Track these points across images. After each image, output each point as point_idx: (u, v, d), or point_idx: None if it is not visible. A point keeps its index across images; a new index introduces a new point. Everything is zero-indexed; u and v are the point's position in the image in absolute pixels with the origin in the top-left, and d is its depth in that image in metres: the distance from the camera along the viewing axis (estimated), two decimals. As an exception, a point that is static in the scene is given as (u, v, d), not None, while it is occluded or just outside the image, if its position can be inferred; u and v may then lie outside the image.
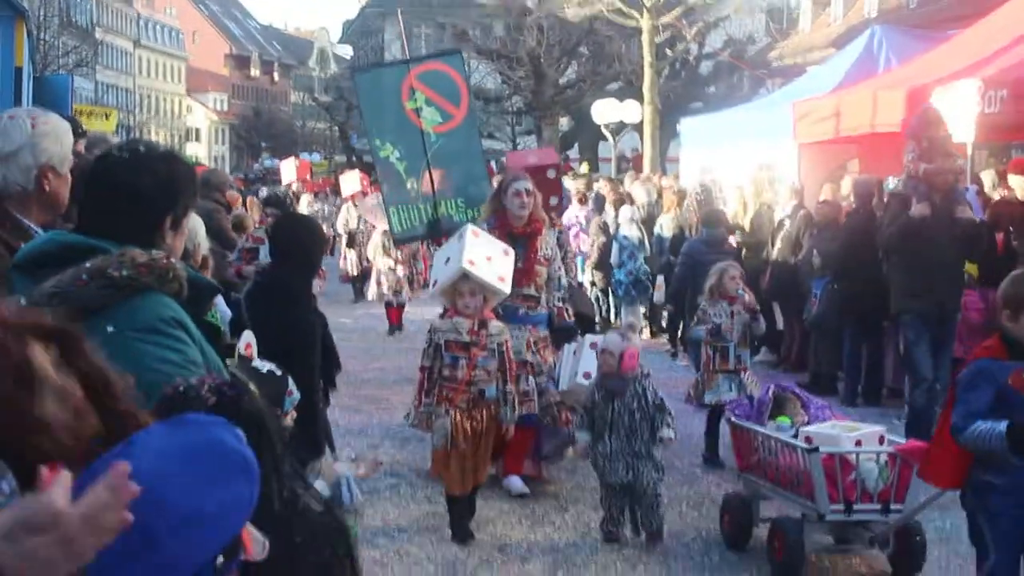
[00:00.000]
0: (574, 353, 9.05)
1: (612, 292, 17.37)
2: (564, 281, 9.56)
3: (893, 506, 7.03)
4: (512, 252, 8.44)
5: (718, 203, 15.77)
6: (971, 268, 11.08)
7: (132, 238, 3.12)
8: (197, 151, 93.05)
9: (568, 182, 19.16)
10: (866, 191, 12.99)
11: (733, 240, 15.04)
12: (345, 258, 22.70)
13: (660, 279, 16.14)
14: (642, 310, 17.31)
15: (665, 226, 16.94)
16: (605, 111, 32.56)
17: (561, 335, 9.36)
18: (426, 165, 10.86)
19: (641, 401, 7.79)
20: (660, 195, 18.60)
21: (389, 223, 11.80)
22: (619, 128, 33.61)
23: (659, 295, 16.38)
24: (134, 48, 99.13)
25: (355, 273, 22.35)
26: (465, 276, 7.81)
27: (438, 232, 11.22)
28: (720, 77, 43.73)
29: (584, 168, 32.01)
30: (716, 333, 9.76)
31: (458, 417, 7.82)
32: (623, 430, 7.77)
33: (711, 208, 14.58)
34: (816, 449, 7.02)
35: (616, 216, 17.18)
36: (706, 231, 13.70)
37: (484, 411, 7.89)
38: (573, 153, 44.53)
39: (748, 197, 16.13)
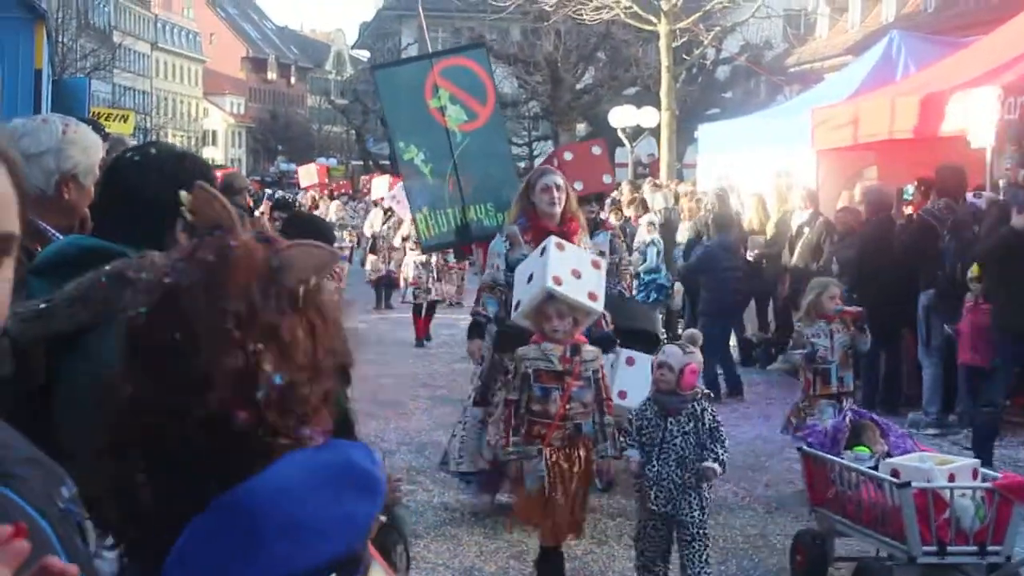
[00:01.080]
0: (611, 366, 8.25)
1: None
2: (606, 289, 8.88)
3: (990, 547, 6.45)
4: (604, 263, 7.75)
5: (734, 209, 15.74)
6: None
7: (143, 241, 3.10)
8: (214, 154, 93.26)
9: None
10: (878, 199, 12.98)
11: (751, 251, 15.06)
12: (370, 262, 22.74)
13: (678, 286, 16.16)
14: (660, 317, 17.29)
15: (683, 233, 16.96)
16: (622, 116, 32.56)
17: (599, 344, 8.53)
18: (453, 167, 10.30)
19: (697, 424, 6.75)
20: (677, 200, 18.60)
21: (416, 230, 11.28)
22: (636, 133, 33.58)
23: (677, 301, 16.39)
24: (151, 51, 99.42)
25: (376, 278, 22.33)
26: (551, 297, 7.01)
27: (468, 238, 10.97)
28: (737, 82, 43.68)
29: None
30: (812, 358, 9.11)
31: (553, 457, 7.00)
32: (673, 454, 6.68)
33: (723, 212, 14.54)
34: (908, 484, 6.44)
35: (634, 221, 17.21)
36: (720, 236, 13.71)
37: (581, 449, 7.06)
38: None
39: (769, 204, 16.10)
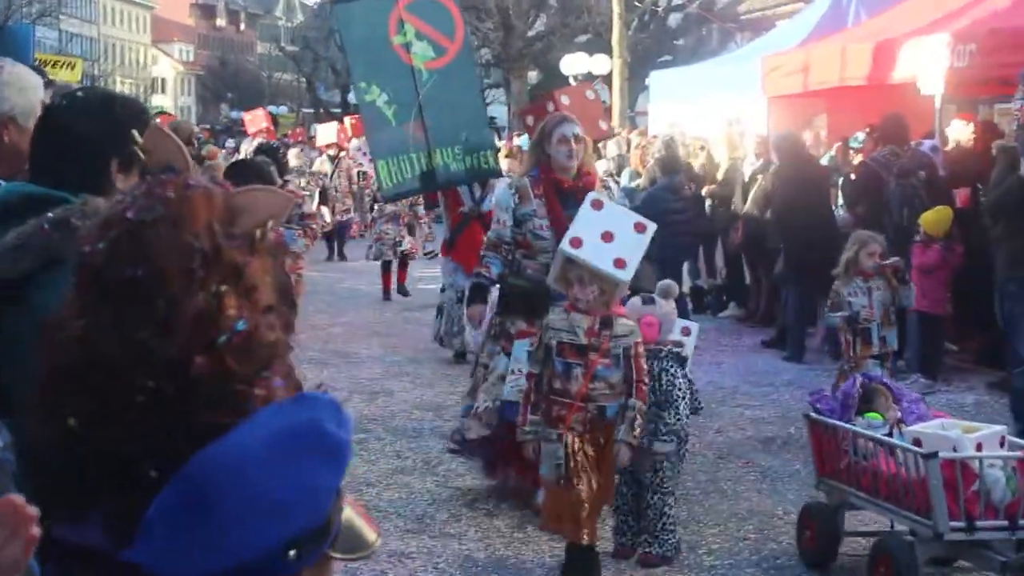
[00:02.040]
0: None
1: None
2: None
3: (1022, 522, 5.92)
4: (651, 227, 6.59)
5: (683, 155, 15.73)
6: (929, 223, 11.06)
7: (81, 185, 3.09)
8: (163, 102, 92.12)
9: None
10: (786, 145, 13.02)
11: (704, 192, 15.08)
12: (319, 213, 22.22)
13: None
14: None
15: (630, 178, 16.93)
16: (574, 64, 32.47)
17: None
18: (418, 109, 9.69)
19: (655, 384, 6.60)
20: (630, 147, 18.61)
21: (377, 177, 10.54)
22: (588, 81, 33.50)
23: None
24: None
25: (329, 229, 21.76)
26: (570, 261, 6.31)
27: (433, 185, 10.49)
28: (689, 30, 43.68)
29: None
30: (854, 320, 8.60)
31: (573, 442, 6.25)
32: None
33: (668, 155, 14.51)
34: (935, 455, 5.86)
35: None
36: (666, 178, 13.73)
37: (605, 434, 6.30)
38: (541, 105, 44.25)
39: (720, 152, 16.12)
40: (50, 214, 2.98)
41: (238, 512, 1.57)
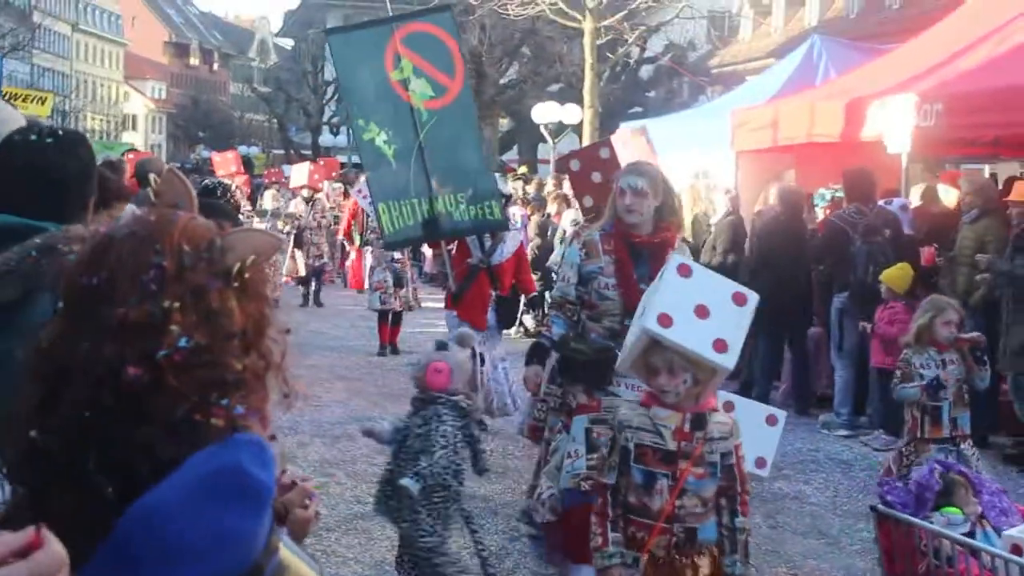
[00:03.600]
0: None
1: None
2: None
3: None
4: (753, 298, 5.26)
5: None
6: (891, 280, 11.16)
7: (44, 218, 3.13)
8: (134, 139, 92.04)
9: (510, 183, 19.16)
10: (792, 198, 13.12)
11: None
12: (293, 258, 21.51)
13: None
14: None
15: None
16: (545, 112, 32.63)
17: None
18: (418, 150, 9.25)
19: (423, 429, 6.35)
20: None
21: (379, 222, 10.02)
22: (559, 130, 33.67)
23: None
24: (72, 32, 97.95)
25: (303, 274, 21.46)
26: (657, 343, 4.94)
27: (436, 234, 9.97)
28: (660, 82, 43.96)
29: (523, 170, 32.05)
30: (936, 388, 7.58)
31: (653, 573, 4.98)
32: (411, 462, 6.28)
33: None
34: None
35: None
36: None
37: (696, 561, 4.95)
38: (512, 154, 44.50)
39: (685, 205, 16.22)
40: (37, 240, 3.02)
41: (155, 563, 1.58)
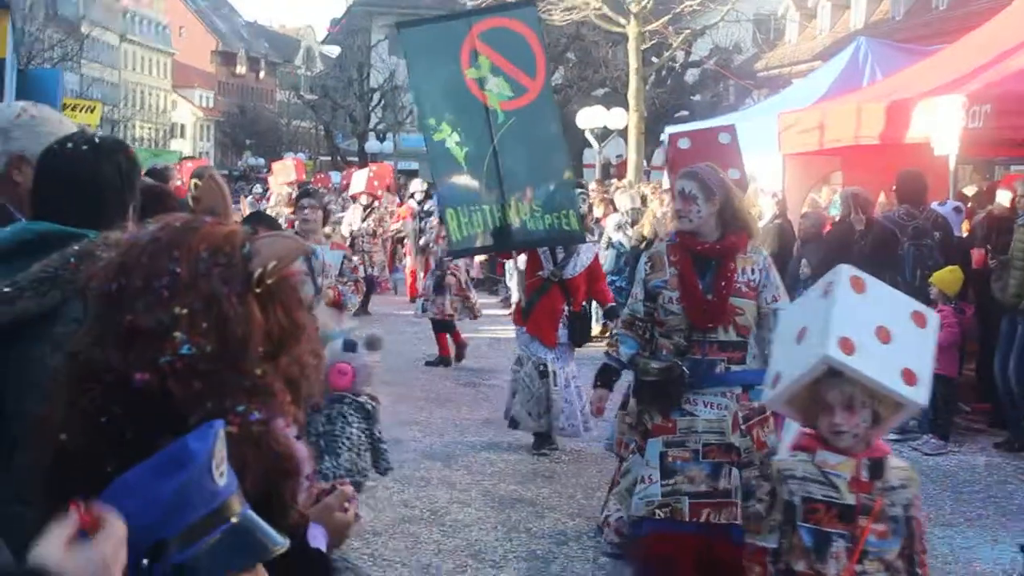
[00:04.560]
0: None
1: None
2: None
3: None
4: (933, 319, 4.32)
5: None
6: (942, 283, 11.09)
7: (80, 225, 3.18)
8: (182, 147, 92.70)
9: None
10: (863, 201, 13.04)
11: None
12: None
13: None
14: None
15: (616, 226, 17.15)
16: (590, 117, 32.59)
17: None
18: (492, 153, 8.78)
19: (328, 428, 6.27)
20: (644, 202, 18.65)
21: (446, 228, 9.46)
22: (604, 134, 33.62)
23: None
24: (120, 42, 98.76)
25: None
26: (834, 373, 4.06)
27: (507, 244, 9.46)
28: (706, 86, 43.83)
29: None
30: None
31: None
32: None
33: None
34: None
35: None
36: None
37: None
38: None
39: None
40: (75, 247, 3.05)
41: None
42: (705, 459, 6.02)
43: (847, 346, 3.99)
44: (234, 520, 1.73)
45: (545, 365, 10.30)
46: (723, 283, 6.15)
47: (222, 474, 1.71)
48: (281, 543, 1.79)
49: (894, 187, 12.97)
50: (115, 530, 1.53)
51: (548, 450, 10.41)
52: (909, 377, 4.04)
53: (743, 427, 6.12)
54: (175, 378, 1.71)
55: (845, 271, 4.27)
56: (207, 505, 1.69)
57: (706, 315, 6.14)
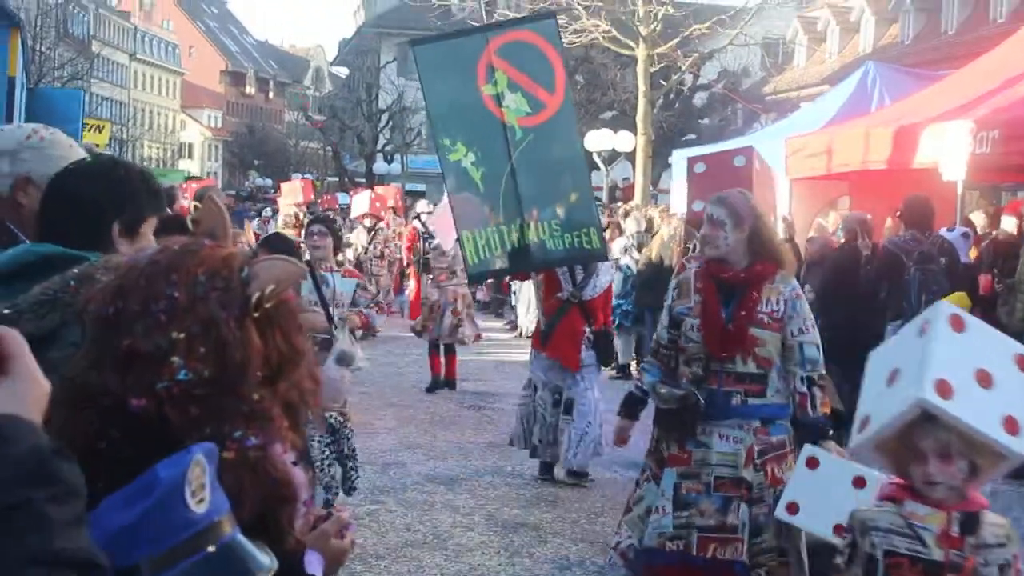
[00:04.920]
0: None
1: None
2: (813, 353, 6.09)
3: None
4: None
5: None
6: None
7: (84, 247, 3.15)
8: (190, 166, 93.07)
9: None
10: (856, 227, 13.01)
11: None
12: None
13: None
14: (632, 344, 17.25)
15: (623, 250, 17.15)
16: (598, 140, 32.61)
17: (805, 435, 5.95)
18: (510, 172, 8.54)
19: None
20: (650, 225, 18.64)
21: (463, 252, 9.10)
22: (612, 157, 33.64)
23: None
24: (130, 61, 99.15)
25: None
26: (930, 418, 3.63)
27: (525, 265, 9.28)
28: (714, 109, 43.84)
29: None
30: None
31: None
32: None
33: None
34: None
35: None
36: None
37: None
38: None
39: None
40: (75, 270, 3.04)
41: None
42: (716, 492, 5.93)
43: (944, 389, 3.61)
44: (210, 549, 1.71)
45: (560, 392, 10.14)
46: (743, 312, 5.99)
47: (201, 500, 1.68)
48: (266, 567, 1.77)
49: (898, 212, 12.97)
50: (24, 364, 1.50)
51: (559, 481, 10.32)
52: (1011, 425, 3.66)
53: (757, 462, 5.97)
54: (172, 404, 1.70)
55: (944, 308, 3.87)
56: (183, 531, 1.68)
57: (723, 344, 5.99)
